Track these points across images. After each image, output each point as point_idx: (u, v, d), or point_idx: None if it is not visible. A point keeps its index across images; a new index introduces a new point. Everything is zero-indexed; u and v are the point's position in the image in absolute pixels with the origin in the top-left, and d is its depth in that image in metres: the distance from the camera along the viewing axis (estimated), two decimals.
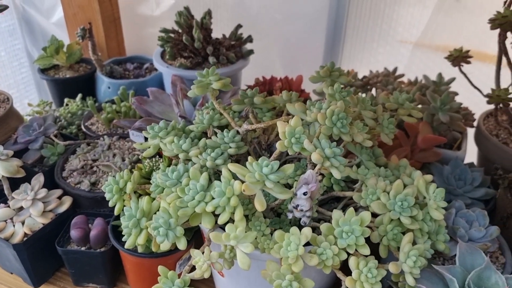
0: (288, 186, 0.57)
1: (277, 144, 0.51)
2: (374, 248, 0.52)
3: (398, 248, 0.51)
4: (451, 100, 0.81)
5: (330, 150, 0.49)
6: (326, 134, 0.53)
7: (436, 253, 0.61)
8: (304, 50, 1.15)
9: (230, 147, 0.57)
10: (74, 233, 0.69)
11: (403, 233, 0.52)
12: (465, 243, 0.53)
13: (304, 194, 0.47)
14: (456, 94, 0.87)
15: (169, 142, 0.58)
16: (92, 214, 0.74)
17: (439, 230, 0.54)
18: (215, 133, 0.60)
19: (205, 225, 0.48)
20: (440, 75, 0.89)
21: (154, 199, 0.56)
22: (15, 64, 1.42)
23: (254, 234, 0.46)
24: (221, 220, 0.46)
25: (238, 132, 0.60)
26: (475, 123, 0.87)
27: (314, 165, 0.53)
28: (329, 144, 0.51)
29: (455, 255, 0.54)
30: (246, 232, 0.46)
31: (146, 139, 0.65)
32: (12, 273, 0.75)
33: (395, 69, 0.97)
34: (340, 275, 0.49)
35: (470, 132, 0.88)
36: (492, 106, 0.87)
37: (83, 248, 0.69)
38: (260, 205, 0.46)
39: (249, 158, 0.48)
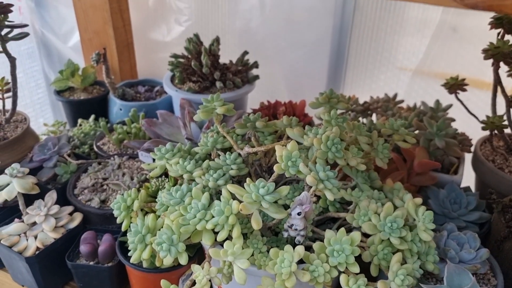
0: (286, 207, 0.61)
1: (275, 167, 0.55)
2: (366, 267, 0.55)
3: (388, 268, 0.54)
4: (447, 126, 0.84)
5: (324, 173, 0.53)
6: (321, 158, 0.57)
7: (428, 274, 0.63)
8: (308, 76, 1.19)
9: (231, 169, 0.61)
10: (83, 248, 0.72)
11: (393, 253, 0.55)
12: (454, 264, 0.55)
13: (298, 214, 0.50)
14: (453, 120, 0.90)
15: (174, 163, 0.62)
16: (101, 230, 0.78)
17: (429, 251, 0.57)
18: (219, 155, 0.64)
19: (205, 241, 0.52)
20: (437, 102, 0.92)
21: (159, 216, 0.60)
22: (32, 85, 1.49)
23: (250, 251, 0.50)
24: (220, 237, 0.50)
25: (240, 155, 0.64)
26: (472, 148, 0.89)
27: (310, 187, 0.56)
28: (324, 168, 0.54)
29: None
30: (243, 249, 0.50)
31: (154, 159, 0.69)
32: (23, 286, 0.79)
33: (395, 95, 1.01)
34: None
35: (468, 156, 0.90)
36: (488, 132, 0.90)
37: (91, 263, 0.73)
38: (256, 224, 0.49)
39: (247, 179, 0.51)
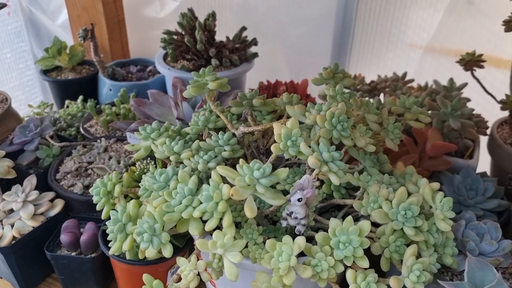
0: (286, 193, 0.54)
1: (272, 147, 0.48)
2: (376, 261, 0.49)
3: (401, 262, 0.48)
4: (463, 106, 0.77)
5: (328, 154, 0.46)
6: (325, 138, 0.50)
7: (443, 267, 0.57)
8: (310, 55, 1.12)
9: (224, 150, 0.54)
10: (64, 237, 0.66)
11: (407, 245, 0.48)
12: (475, 258, 0.49)
13: (299, 200, 0.44)
14: (468, 100, 0.83)
15: (160, 143, 0.55)
16: (84, 218, 0.71)
17: (446, 242, 0.50)
18: (210, 136, 0.58)
19: (192, 231, 0.45)
20: (451, 80, 0.85)
21: (142, 203, 0.53)
22: (21, 66, 1.42)
23: (243, 243, 0.43)
24: (208, 227, 0.43)
25: (234, 135, 0.57)
26: (488, 131, 0.83)
27: (313, 170, 0.49)
28: (328, 148, 0.47)
29: (464, 270, 0.50)
30: (235, 240, 0.43)
31: None
32: (1, 278, 0.73)
33: (405, 74, 0.94)
34: None
35: (483, 140, 0.83)
36: (506, 113, 0.83)
37: (73, 254, 0.67)
38: (250, 211, 0.42)
39: (240, 160, 0.45)
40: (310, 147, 0.48)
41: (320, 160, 0.46)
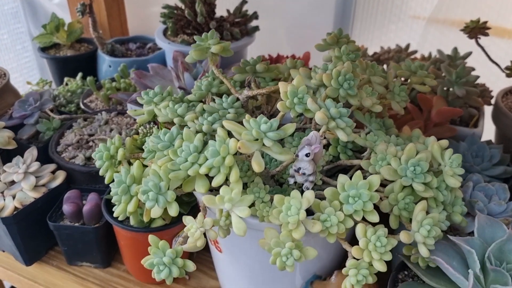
0: None
1: (278, 105, 0.47)
2: (384, 221, 0.48)
3: (410, 220, 0.47)
4: (468, 74, 0.76)
5: (335, 110, 0.45)
6: (332, 96, 0.49)
7: (451, 230, 0.56)
8: (312, 29, 1.10)
9: (229, 113, 0.53)
10: (66, 207, 0.65)
11: (416, 204, 0.47)
12: (484, 215, 0.48)
13: (307, 155, 0.43)
14: (473, 69, 0.82)
15: (163, 107, 0.54)
16: (86, 190, 0.71)
17: (455, 201, 0.50)
18: (214, 100, 0.57)
19: (199, 189, 0.44)
20: (455, 49, 0.84)
21: (147, 166, 0.52)
22: (19, 47, 1.40)
23: (251, 198, 0.42)
24: (215, 182, 0.42)
25: (238, 99, 0.56)
26: (492, 101, 0.82)
27: (318, 130, 0.49)
28: (335, 104, 0.46)
29: (472, 232, 0.49)
30: (242, 195, 0.42)
31: None
32: (4, 251, 0.72)
33: (408, 46, 0.92)
34: (346, 245, 0.45)
35: (487, 110, 0.82)
36: (510, 84, 0.82)
37: (76, 224, 0.66)
38: (257, 165, 0.42)
39: (247, 115, 0.44)
40: (317, 104, 0.47)
41: (327, 116, 0.45)
